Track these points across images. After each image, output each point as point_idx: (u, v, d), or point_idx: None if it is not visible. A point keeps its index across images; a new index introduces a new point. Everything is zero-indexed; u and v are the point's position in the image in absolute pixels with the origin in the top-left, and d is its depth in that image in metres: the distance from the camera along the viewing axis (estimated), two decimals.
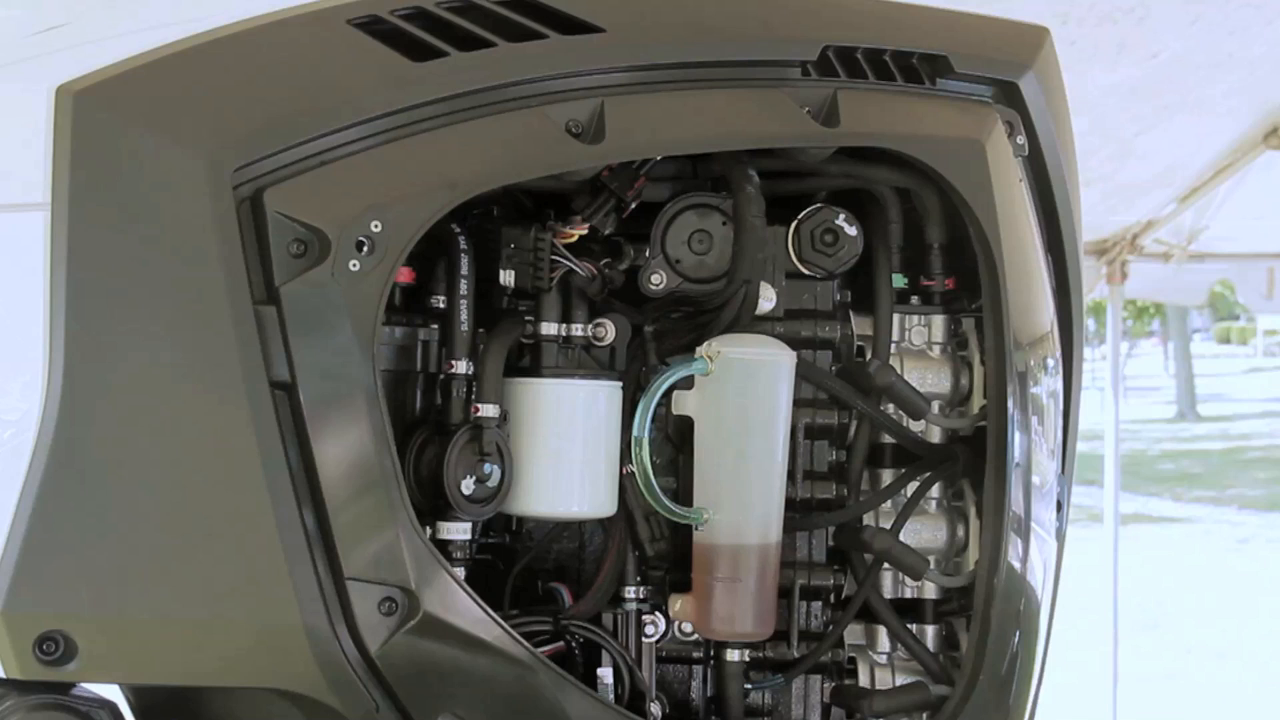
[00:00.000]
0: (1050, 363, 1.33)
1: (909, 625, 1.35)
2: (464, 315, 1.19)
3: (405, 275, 1.17)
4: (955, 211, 1.28)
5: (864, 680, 1.35)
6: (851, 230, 1.29)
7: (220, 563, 1.04)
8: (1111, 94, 3.47)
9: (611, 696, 1.26)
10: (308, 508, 1.05)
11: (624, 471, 1.25)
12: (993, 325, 1.26)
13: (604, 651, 1.28)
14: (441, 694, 1.10)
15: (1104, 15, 2.93)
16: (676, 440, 1.32)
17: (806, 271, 1.30)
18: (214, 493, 1.04)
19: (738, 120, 1.20)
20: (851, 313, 1.35)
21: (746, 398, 1.22)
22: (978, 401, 1.33)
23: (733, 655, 1.30)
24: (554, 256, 1.20)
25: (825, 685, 1.38)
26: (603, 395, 1.24)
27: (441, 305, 1.21)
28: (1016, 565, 1.27)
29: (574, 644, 1.28)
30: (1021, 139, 1.32)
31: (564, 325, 1.24)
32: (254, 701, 1.14)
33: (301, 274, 1.04)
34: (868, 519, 1.35)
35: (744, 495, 1.24)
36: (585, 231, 1.22)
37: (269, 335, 1.04)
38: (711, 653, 1.34)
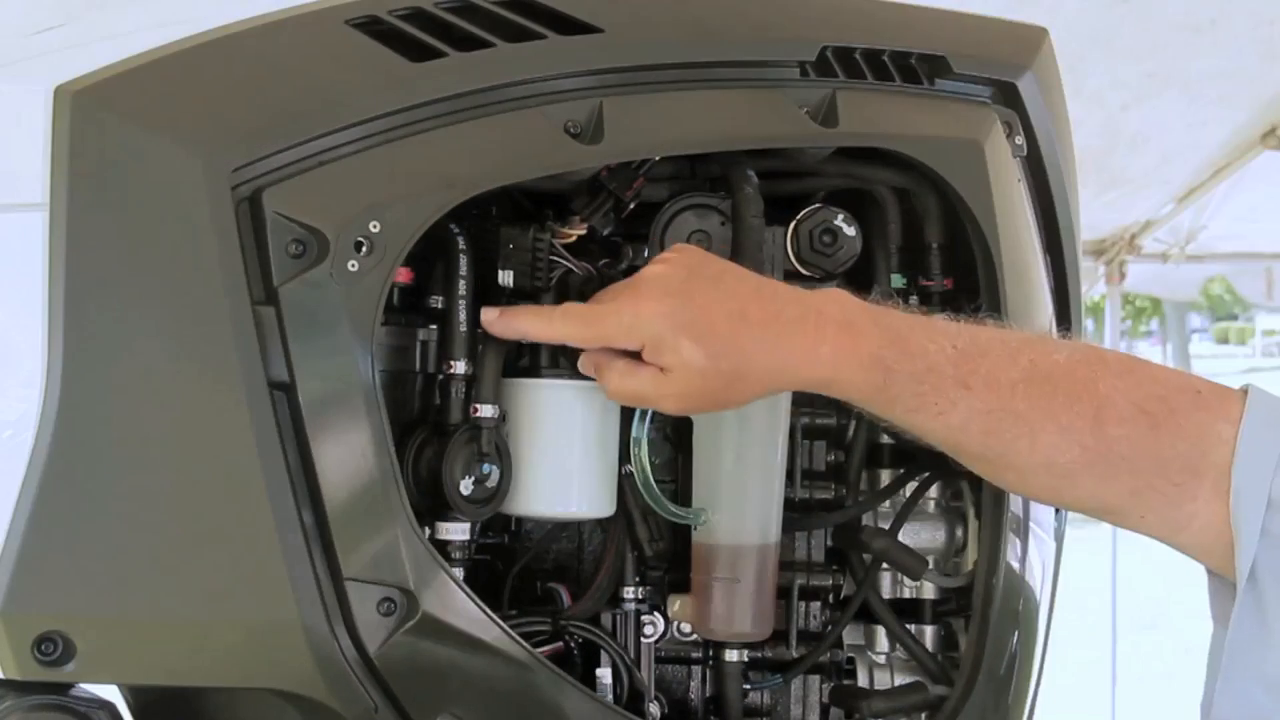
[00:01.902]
0: None
1: (908, 625, 1.35)
2: (463, 315, 1.19)
3: (404, 275, 1.17)
4: (954, 212, 1.28)
5: (863, 680, 1.36)
6: (850, 230, 1.28)
7: (219, 563, 1.04)
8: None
9: (610, 696, 1.26)
10: (306, 508, 1.05)
11: (623, 472, 1.25)
12: None
13: (602, 652, 1.28)
14: (440, 694, 1.10)
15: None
16: (675, 440, 1.32)
17: (805, 272, 1.30)
18: (213, 493, 1.04)
19: (736, 121, 1.21)
20: None
21: None
22: None
23: (731, 655, 1.30)
24: (552, 257, 1.20)
25: (824, 685, 1.38)
26: (602, 396, 1.24)
27: (440, 305, 1.21)
28: (1015, 565, 1.27)
29: (572, 644, 1.28)
30: (1020, 139, 1.32)
31: None
32: (253, 702, 1.14)
33: (300, 274, 1.04)
34: (866, 519, 1.35)
35: (743, 495, 1.24)
36: (584, 232, 1.22)
37: (267, 336, 1.04)
38: (710, 653, 1.34)
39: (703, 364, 1.06)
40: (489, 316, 1.16)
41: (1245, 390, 1.05)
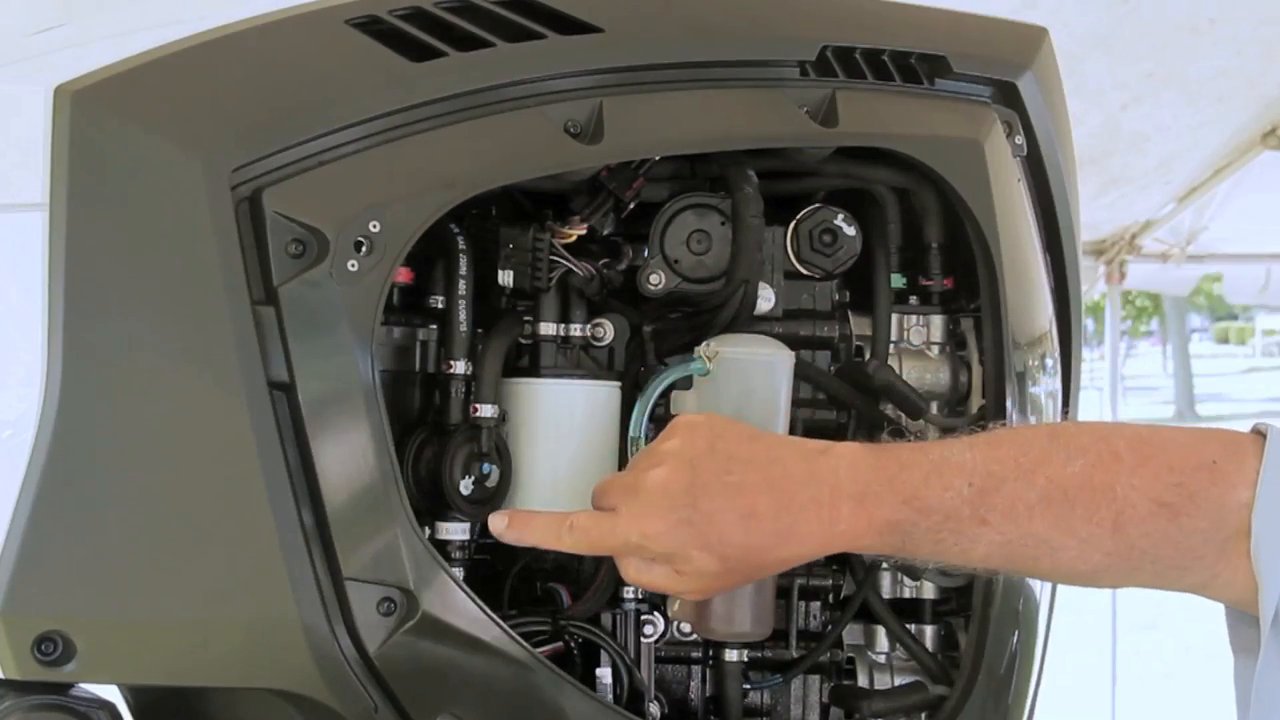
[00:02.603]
0: (1049, 362, 1.33)
1: (908, 625, 1.35)
2: (462, 315, 1.19)
3: (404, 275, 1.17)
4: (954, 211, 1.28)
5: (863, 680, 1.36)
6: (850, 230, 1.29)
7: (219, 563, 1.04)
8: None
9: (610, 696, 1.26)
10: (306, 508, 1.05)
11: None
12: (991, 325, 1.26)
13: (602, 652, 1.28)
14: (440, 694, 1.10)
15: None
16: None
17: (805, 271, 1.30)
18: (213, 493, 1.04)
19: (736, 120, 1.21)
20: (850, 312, 1.35)
21: (745, 397, 1.22)
22: (976, 401, 1.33)
23: (731, 655, 1.30)
24: (552, 257, 1.20)
25: (824, 685, 1.38)
26: (601, 395, 1.24)
27: (440, 305, 1.21)
28: None
29: (573, 644, 1.28)
30: (1020, 139, 1.32)
31: (562, 325, 1.25)
32: (252, 702, 1.14)
33: (300, 274, 1.04)
34: None
35: None
36: (584, 232, 1.22)
37: (267, 335, 1.04)
38: (710, 653, 1.34)
39: (717, 569, 1.06)
40: (498, 525, 1.15)
41: (1263, 435, 1.04)
